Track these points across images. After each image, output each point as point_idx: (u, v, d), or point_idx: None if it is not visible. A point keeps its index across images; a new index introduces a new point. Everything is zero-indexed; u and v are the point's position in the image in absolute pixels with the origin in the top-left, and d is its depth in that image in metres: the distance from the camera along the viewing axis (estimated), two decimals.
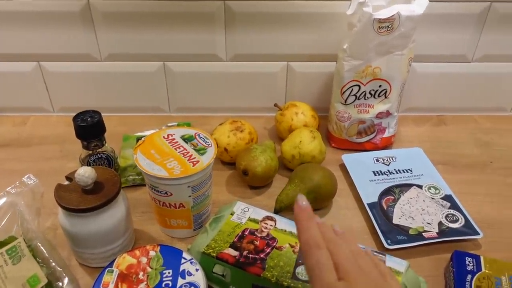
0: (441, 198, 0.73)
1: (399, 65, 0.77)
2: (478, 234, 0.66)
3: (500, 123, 0.96)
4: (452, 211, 0.71)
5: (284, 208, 0.69)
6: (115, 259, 0.55)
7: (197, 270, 0.54)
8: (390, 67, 0.77)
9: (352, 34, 0.75)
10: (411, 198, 0.73)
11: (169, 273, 0.54)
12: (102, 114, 0.70)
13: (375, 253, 0.57)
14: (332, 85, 0.84)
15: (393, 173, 0.79)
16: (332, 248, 0.41)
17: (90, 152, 0.70)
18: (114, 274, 0.53)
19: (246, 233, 0.59)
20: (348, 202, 0.75)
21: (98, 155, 0.71)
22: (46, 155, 0.85)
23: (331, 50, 0.85)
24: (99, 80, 0.92)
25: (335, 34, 0.84)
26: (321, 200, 0.71)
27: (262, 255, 0.56)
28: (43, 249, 0.60)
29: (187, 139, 0.65)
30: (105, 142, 0.71)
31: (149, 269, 0.54)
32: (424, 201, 0.73)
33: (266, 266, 0.55)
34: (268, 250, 0.57)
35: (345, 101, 0.82)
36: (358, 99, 0.81)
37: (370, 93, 0.80)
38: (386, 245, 0.65)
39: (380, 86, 0.79)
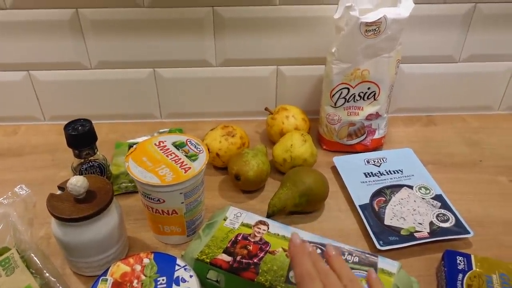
0: (432, 198, 0.74)
1: (387, 67, 0.78)
2: (469, 233, 0.67)
3: (488, 121, 0.97)
4: (442, 211, 0.71)
5: (276, 212, 0.70)
6: (109, 268, 0.55)
7: (191, 276, 0.55)
8: (378, 70, 0.78)
9: (340, 38, 0.76)
10: (402, 199, 0.74)
11: (163, 280, 0.54)
12: (94, 122, 0.70)
13: (367, 255, 0.58)
14: (321, 88, 0.85)
15: (384, 174, 0.79)
16: (323, 279, 0.45)
17: (82, 160, 0.70)
18: (108, 283, 0.53)
19: (239, 238, 0.60)
20: (340, 204, 0.76)
21: (90, 163, 0.71)
22: (38, 164, 0.84)
23: (320, 53, 0.85)
24: (90, 88, 0.92)
25: (323, 37, 0.85)
26: (313, 203, 0.72)
27: (255, 260, 0.57)
28: (37, 260, 0.60)
29: (178, 146, 0.66)
30: (97, 150, 0.71)
31: (143, 277, 0.54)
32: (415, 201, 0.74)
33: (260, 270, 0.55)
34: (261, 255, 0.57)
35: (335, 104, 0.82)
36: (348, 101, 0.82)
37: (359, 95, 0.81)
38: (378, 246, 0.65)
39: (369, 88, 0.80)
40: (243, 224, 0.62)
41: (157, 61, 0.89)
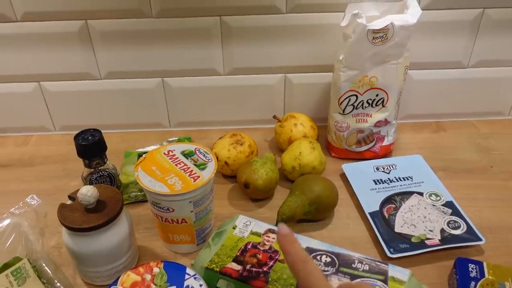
0: (442, 205, 0.73)
1: (395, 74, 0.78)
2: (481, 240, 0.66)
3: (498, 127, 0.96)
4: (453, 218, 0.71)
5: (285, 220, 0.70)
6: (119, 277, 0.56)
7: (201, 285, 0.54)
8: (387, 76, 0.78)
9: (347, 45, 0.76)
10: (412, 206, 0.73)
11: None
12: (103, 131, 0.70)
13: (377, 263, 0.57)
14: (329, 96, 0.85)
15: (394, 181, 0.79)
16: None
17: (92, 170, 0.71)
18: None
19: (249, 247, 0.60)
20: (349, 212, 0.75)
21: (100, 173, 0.71)
22: (49, 174, 0.85)
23: (328, 61, 0.86)
24: (99, 98, 0.93)
25: (330, 45, 0.85)
26: (322, 211, 0.72)
27: (265, 269, 0.56)
28: (48, 270, 0.60)
29: (187, 155, 0.66)
30: (107, 160, 0.72)
31: (153, 286, 0.54)
32: (425, 208, 0.73)
33: (270, 279, 0.55)
34: (271, 263, 0.57)
35: (343, 111, 0.82)
36: (356, 108, 0.82)
37: (367, 102, 0.81)
38: (389, 254, 0.65)
39: (377, 95, 0.80)
40: (252, 233, 0.62)
41: (165, 71, 0.90)
